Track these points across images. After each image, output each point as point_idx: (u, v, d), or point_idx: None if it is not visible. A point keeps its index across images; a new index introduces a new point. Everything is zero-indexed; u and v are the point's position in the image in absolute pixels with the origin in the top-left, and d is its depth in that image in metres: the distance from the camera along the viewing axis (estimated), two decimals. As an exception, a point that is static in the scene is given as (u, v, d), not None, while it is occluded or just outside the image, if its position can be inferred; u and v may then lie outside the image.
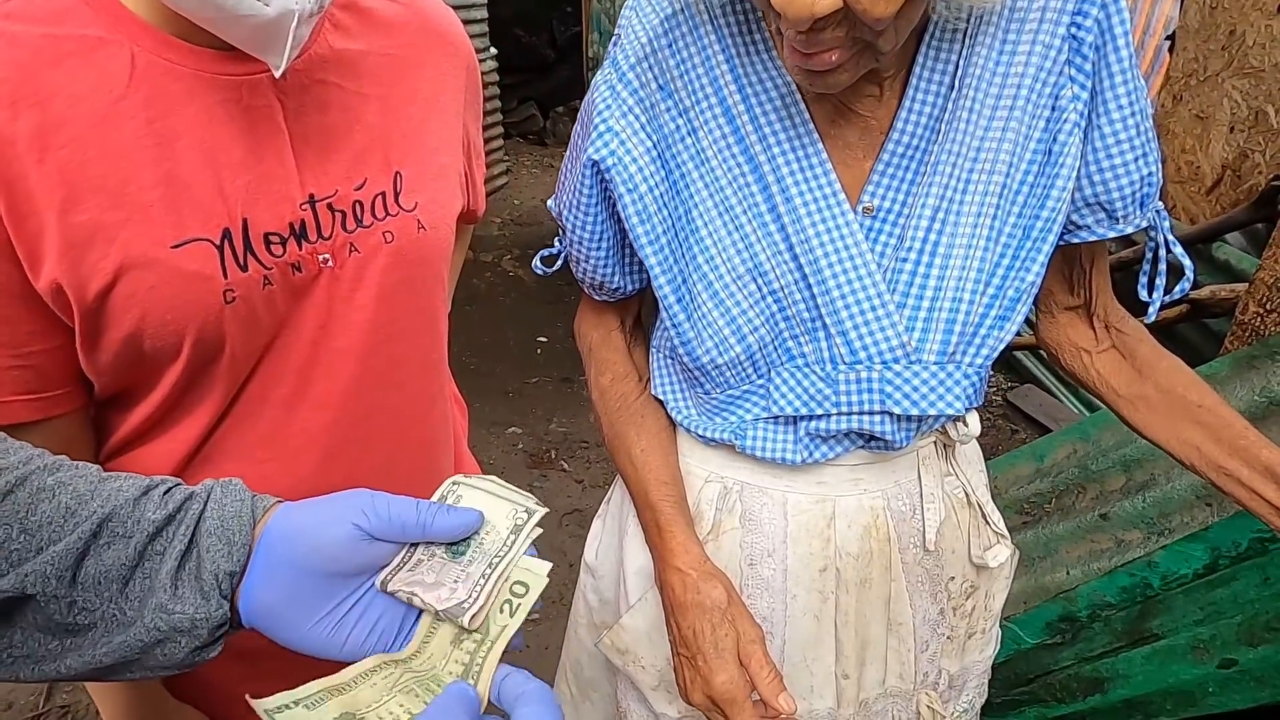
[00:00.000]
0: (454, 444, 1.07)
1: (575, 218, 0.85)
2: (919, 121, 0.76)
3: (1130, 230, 0.80)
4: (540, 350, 4.02)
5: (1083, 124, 0.76)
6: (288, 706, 0.52)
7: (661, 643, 0.91)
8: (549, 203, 0.94)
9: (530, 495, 0.64)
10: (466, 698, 0.52)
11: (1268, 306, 1.47)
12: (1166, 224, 0.82)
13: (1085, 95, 0.75)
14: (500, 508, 0.62)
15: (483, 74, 5.93)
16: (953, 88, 0.74)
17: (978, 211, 0.77)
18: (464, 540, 0.60)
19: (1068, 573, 1.66)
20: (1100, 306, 0.90)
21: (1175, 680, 1.17)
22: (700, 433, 0.89)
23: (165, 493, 0.55)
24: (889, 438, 0.83)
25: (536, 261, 0.94)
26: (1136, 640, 1.21)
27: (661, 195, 0.79)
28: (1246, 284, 1.67)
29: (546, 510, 0.63)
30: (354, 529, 0.55)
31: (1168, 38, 4.43)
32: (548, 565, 0.59)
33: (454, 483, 0.64)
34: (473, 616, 0.56)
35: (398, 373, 0.88)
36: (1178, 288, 0.83)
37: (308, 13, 0.66)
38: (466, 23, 5.50)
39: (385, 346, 0.85)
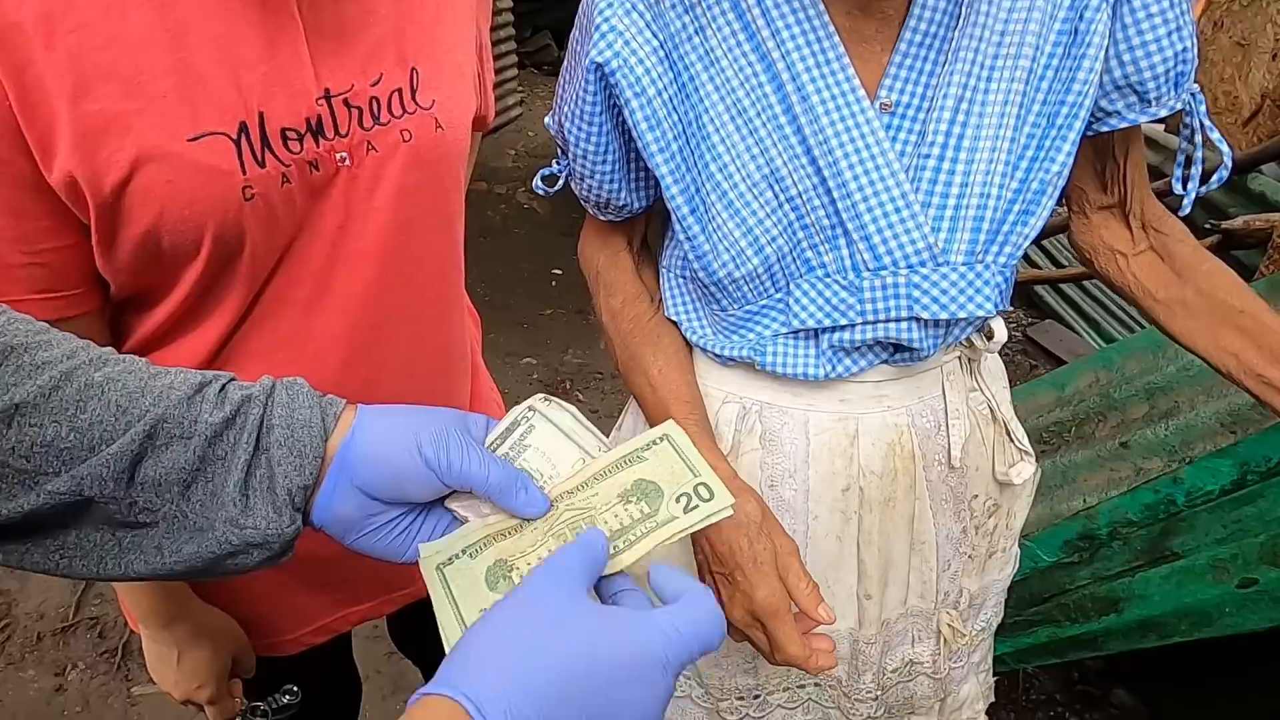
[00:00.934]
0: (473, 357, 1.06)
1: (578, 129, 0.80)
2: (937, 6, 0.72)
3: (1164, 113, 0.76)
4: (555, 282, 4.01)
5: None
6: (455, 556, 0.54)
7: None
8: (546, 120, 0.89)
9: (602, 437, 0.61)
10: (594, 546, 0.51)
11: (1306, 229, 1.43)
12: (1203, 107, 0.78)
13: None
14: (571, 450, 0.60)
15: (496, 2, 5.78)
16: None
17: (1004, 100, 0.74)
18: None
19: (1084, 500, 1.65)
20: (1136, 203, 0.86)
21: (1193, 600, 1.17)
22: (717, 351, 0.87)
23: (220, 390, 0.54)
24: (917, 345, 0.81)
25: (537, 181, 0.89)
26: (1156, 559, 1.21)
27: (671, 99, 0.75)
28: (1283, 210, 1.62)
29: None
30: (426, 469, 0.54)
31: (1210, -41, 4.24)
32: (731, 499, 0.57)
33: (530, 408, 0.62)
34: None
35: (417, 275, 0.87)
36: (1214, 178, 0.79)
37: None
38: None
39: (404, 248, 0.84)
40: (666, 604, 0.50)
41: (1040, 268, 3.75)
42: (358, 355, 0.84)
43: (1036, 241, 3.51)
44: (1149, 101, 0.76)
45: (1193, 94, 0.78)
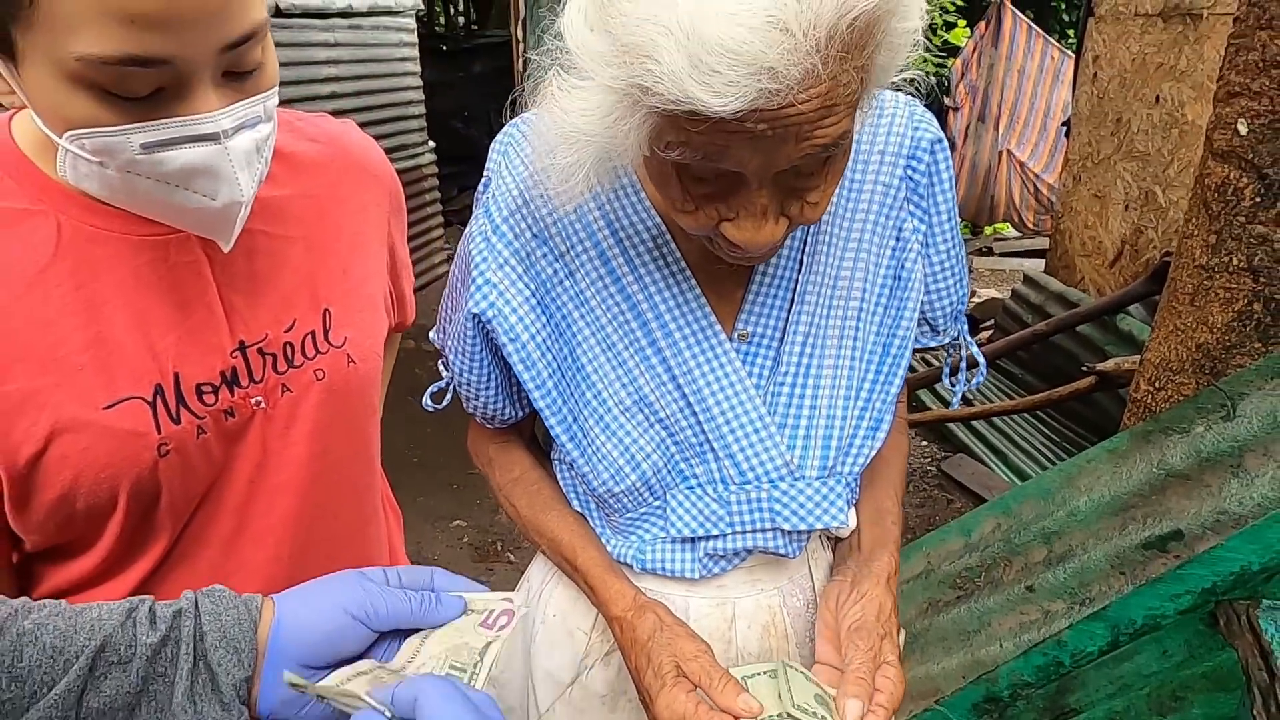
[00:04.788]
0: (391, 556, 1.08)
1: (462, 361, 0.89)
2: (782, 252, 0.83)
3: (947, 341, 0.95)
4: (485, 439, 4.01)
5: (924, 252, 0.86)
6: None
7: None
8: (431, 334, 0.97)
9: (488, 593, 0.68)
10: None
11: (1156, 384, 1.59)
12: (965, 327, 0.97)
13: (924, 227, 0.86)
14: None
15: (422, 166, 6.04)
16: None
17: (840, 333, 0.85)
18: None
19: (1000, 645, 1.71)
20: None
21: (1100, 753, 1.21)
22: (609, 549, 0.92)
23: (149, 611, 0.57)
24: (782, 552, 0.88)
25: (426, 399, 0.97)
26: (1059, 716, 1.26)
27: (544, 340, 0.83)
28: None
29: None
30: (360, 626, 0.61)
31: (1063, 124, 4.78)
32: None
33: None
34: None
35: (333, 502, 0.91)
36: (975, 379, 1.00)
37: (250, 197, 0.71)
38: (405, 118, 5.66)
39: (321, 478, 0.88)
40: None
41: (948, 405, 3.96)
42: (277, 583, 0.86)
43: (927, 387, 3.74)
44: (938, 331, 0.93)
45: (962, 323, 0.96)
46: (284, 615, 0.60)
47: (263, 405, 0.81)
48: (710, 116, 0.56)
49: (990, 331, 4.85)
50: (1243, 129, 1.33)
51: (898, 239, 0.86)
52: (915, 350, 0.94)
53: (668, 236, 0.82)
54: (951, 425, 3.74)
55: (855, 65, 0.58)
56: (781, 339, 0.84)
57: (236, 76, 0.67)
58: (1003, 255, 7.47)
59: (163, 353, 0.74)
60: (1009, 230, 8.00)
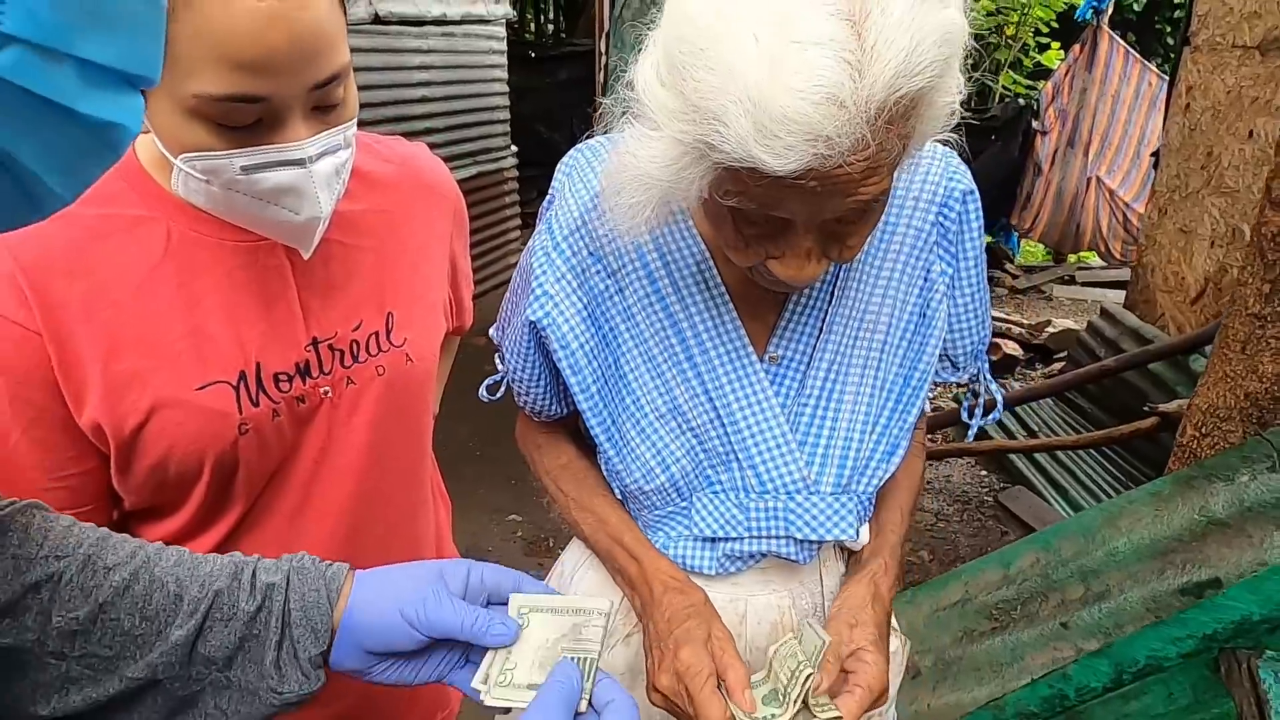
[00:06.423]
0: (437, 542, 1.18)
1: (517, 360, 0.98)
2: (817, 285, 0.90)
3: (965, 377, 1.00)
4: (545, 438, 4.12)
5: (950, 294, 0.91)
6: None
7: None
8: (491, 331, 1.07)
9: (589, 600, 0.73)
10: (568, 680, 0.64)
11: (1203, 430, 1.57)
12: (986, 366, 1.03)
13: (951, 270, 0.90)
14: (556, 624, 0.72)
15: (504, 169, 6.21)
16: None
17: (863, 363, 0.91)
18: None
19: (1031, 679, 1.71)
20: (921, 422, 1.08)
21: (1108, 791, 1.22)
22: None
23: (251, 576, 0.68)
24: (794, 558, 0.94)
25: (482, 391, 1.07)
26: (1069, 751, 1.28)
27: (592, 349, 0.92)
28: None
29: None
30: (410, 629, 0.67)
31: (1153, 154, 4.64)
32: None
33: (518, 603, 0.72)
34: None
35: (388, 486, 1.01)
36: (991, 416, 1.05)
37: (328, 213, 0.82)
38: (491, 123, 5.85)
39: (378, 464, 0.98)
40: (597, 710, 0.64)
41: (1014, 436, 3.89)
42: (333, 557, 0.96)
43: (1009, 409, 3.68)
44: (958, 368, 0.98)
45: (981, 361, 1.01)
46: (354, 606, 0.68)
47: (330, 395, 0.92)
48: (769, 175, 0.63)
49: (1063, 364, 4.74)
50: (1302, 179, 1.32)
51: (925, 279, 0.91)
52: (942, 385, 0.99)
53: (711, 263, 0.89)
54: (1012, 456, 3.67)
55: (899, 134, 0.65)
56: (809, 364, 0.91)
57: (322, 110, 0.78)
58: (1085, 285, 7.24)
59: (248, 344, 0.85)
60: (1094, 260, 7.75)
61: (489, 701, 0.67)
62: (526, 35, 11.37)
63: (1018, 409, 4.01)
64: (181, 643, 0.63)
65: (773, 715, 0.77)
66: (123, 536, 0.68)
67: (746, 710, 0.78)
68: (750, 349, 0.91)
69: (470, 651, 0.71)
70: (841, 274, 0.90)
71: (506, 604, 0.71)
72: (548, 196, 0.96)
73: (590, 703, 0.65)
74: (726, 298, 0.90)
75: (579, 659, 0.67)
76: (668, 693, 0.82)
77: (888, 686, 0.83)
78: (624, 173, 0.75)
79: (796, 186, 0.65)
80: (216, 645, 0.64)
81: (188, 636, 0.63)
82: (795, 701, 0.77)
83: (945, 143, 0.77)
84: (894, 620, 1.08)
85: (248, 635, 0.65)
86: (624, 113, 0.74)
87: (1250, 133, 3.47)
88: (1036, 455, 3.65)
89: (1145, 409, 2.68)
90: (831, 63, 0.59)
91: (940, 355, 0.96)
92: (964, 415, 1.05)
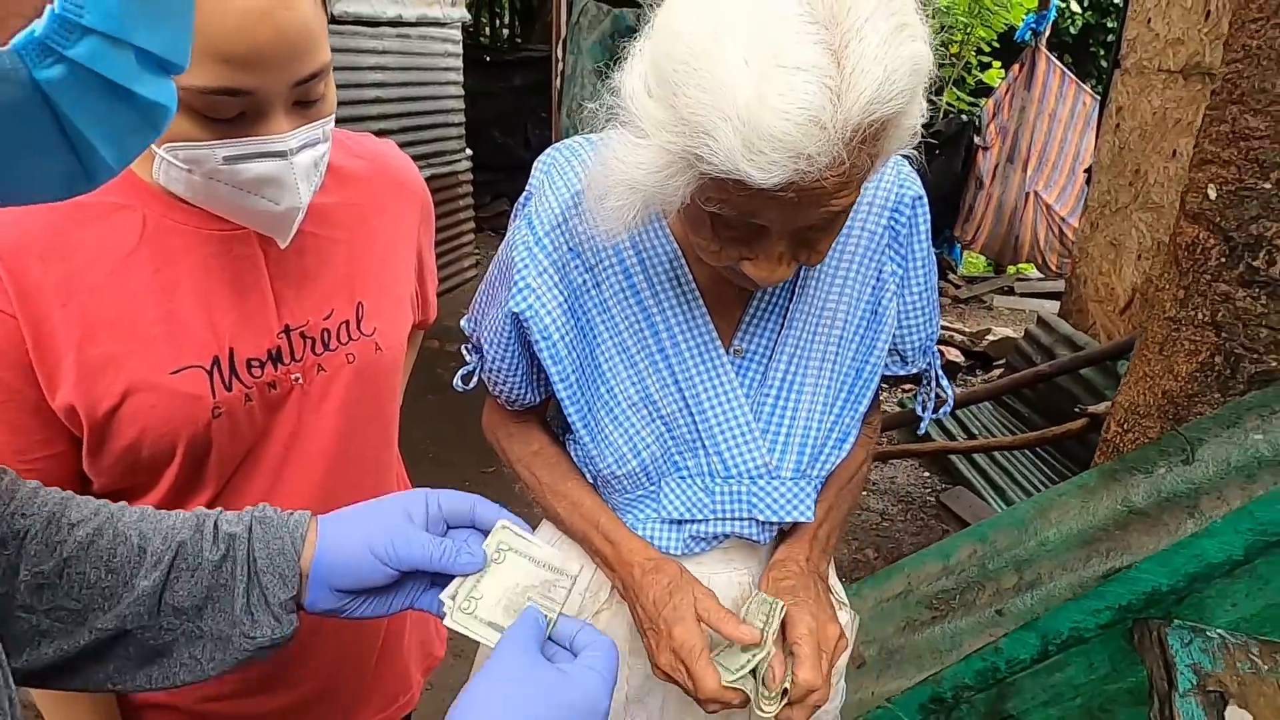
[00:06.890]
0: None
1: (495, 350, 1.02)
2: (778, 284, 0.96)
3: (914, 370, 1.06)
4: (498, 440, 4.14)
5: (900, 292, 0.98)
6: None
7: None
8: (463, 322, 1.10)
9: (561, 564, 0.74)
10: (534, 619, 0.67)
11: (1125, 427, 1.68)
12: (938, 362, 1.09)
13: (900, 271, 0.97)
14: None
15: (458, 173, 6.20)
16: None
17: (821, 356, 0.98)
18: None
19: (967, 655, 1.80)
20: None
21: (1039, 760, 1.31)
22: None
23: (214, 527, 0.70)
24: (755, 539, 1.00)
25: (457, 381, 1.10)
26: (1000, 720, 1.36)
27: (571, 340, 0.96)
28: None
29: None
30: (381, 565, 0.69)
31: (1086, 171, 4.86)
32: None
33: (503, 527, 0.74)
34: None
35: (355, 472, 1.04)
36: (943, 410, 1.11)
37: (306, 204, 0.85)
38: (445, 125, 5.85)
39: (347, 450, 1.01)
40: (574, 652, 0.67)
41: (955, 438, 4.04)
42: None
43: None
44: (907, 362, 1.05)
45: (933, 356, 1.07)
46: (323, 549, 0.71)
47: (300, 381, 0.95)
48: (753, 186, 0.68)
49: (1002, 370, 4.92)
50: (1212, 193, 1.43)
51: (878, 279, 0.98)
52: (891, 379, 1.05)
53: (683, 261, 0.95)
54: (953, 458, 3.82)
55: (869, 152, 0.71)
56: (771, 357, 0.97)
57: (304, 105, 0.81)
58: (1023, 295, 7.51)
59: (222, 330, 0.88)
60: (1032, 271, 8.05)
61: (448, 623, 0.70)
62: (482, 39, 11.34)
63: (959, 412, 4.17)
64: (148, 593, 0.65)
65: (753, 656, 0.85)
66: (85, 498, 0.70)
67: (751, 639, 0.85)
68: (718, 342, 0.96)
69: (436, 577, 0.74)
70: (802, 273, 0.96)
71: (468, 528, 0.74)
72: (524, 193, 1.01)
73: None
74: (697, 294, 0.96)
75: (544, 613, 0.70)
76: (668, 670, 0.88)
77: (841, 634, 0.89)
78: (610, 177, 0.79)
79: (776, 197, 0.70)
80: (184, 595, 0.67)
81: (154, 587, 0.65)
82: (774, 634, 0.85)
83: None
84: (843, 596, 1.14)
85: (215, 584, 0.68)
86: (609, 119, 0.79)
87: (1174, 152, 3.67)
88: (976, 457, 3.79)
89: (1076, 410, 2.82)
90: (815, 88, 0.64)
91: (890, 350, 1.03)
92: (918, 409, 1.12)
